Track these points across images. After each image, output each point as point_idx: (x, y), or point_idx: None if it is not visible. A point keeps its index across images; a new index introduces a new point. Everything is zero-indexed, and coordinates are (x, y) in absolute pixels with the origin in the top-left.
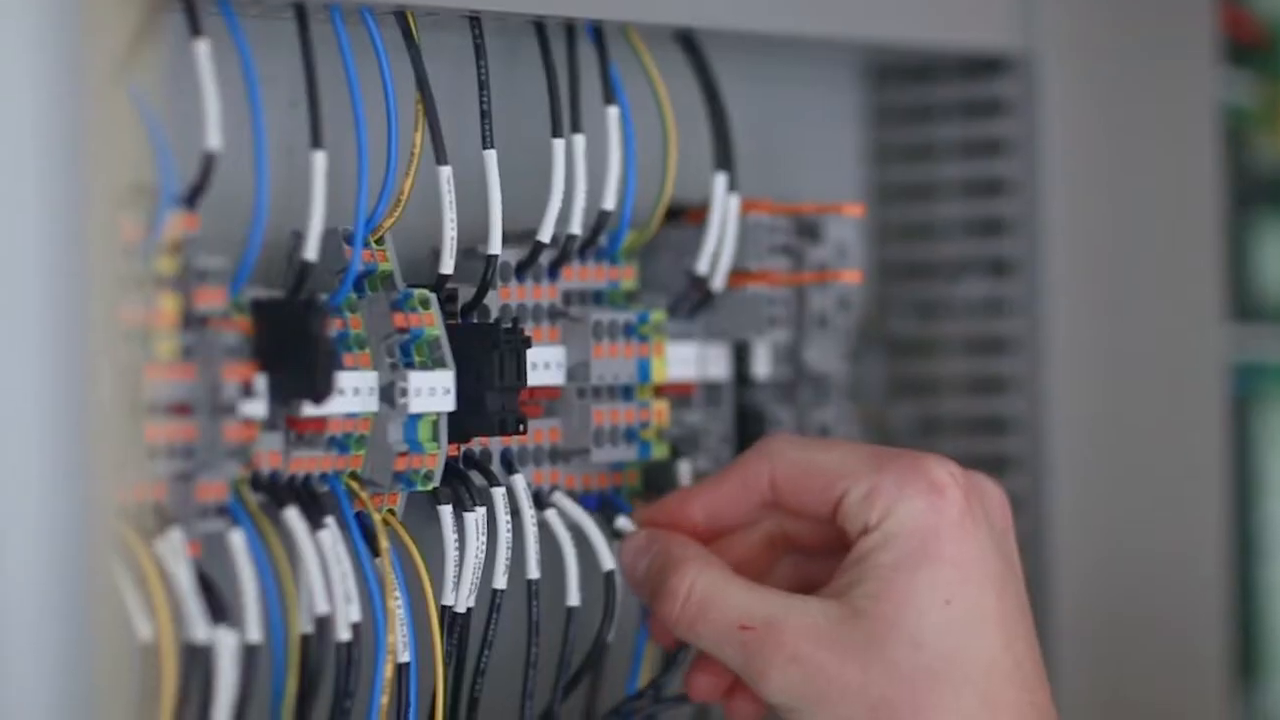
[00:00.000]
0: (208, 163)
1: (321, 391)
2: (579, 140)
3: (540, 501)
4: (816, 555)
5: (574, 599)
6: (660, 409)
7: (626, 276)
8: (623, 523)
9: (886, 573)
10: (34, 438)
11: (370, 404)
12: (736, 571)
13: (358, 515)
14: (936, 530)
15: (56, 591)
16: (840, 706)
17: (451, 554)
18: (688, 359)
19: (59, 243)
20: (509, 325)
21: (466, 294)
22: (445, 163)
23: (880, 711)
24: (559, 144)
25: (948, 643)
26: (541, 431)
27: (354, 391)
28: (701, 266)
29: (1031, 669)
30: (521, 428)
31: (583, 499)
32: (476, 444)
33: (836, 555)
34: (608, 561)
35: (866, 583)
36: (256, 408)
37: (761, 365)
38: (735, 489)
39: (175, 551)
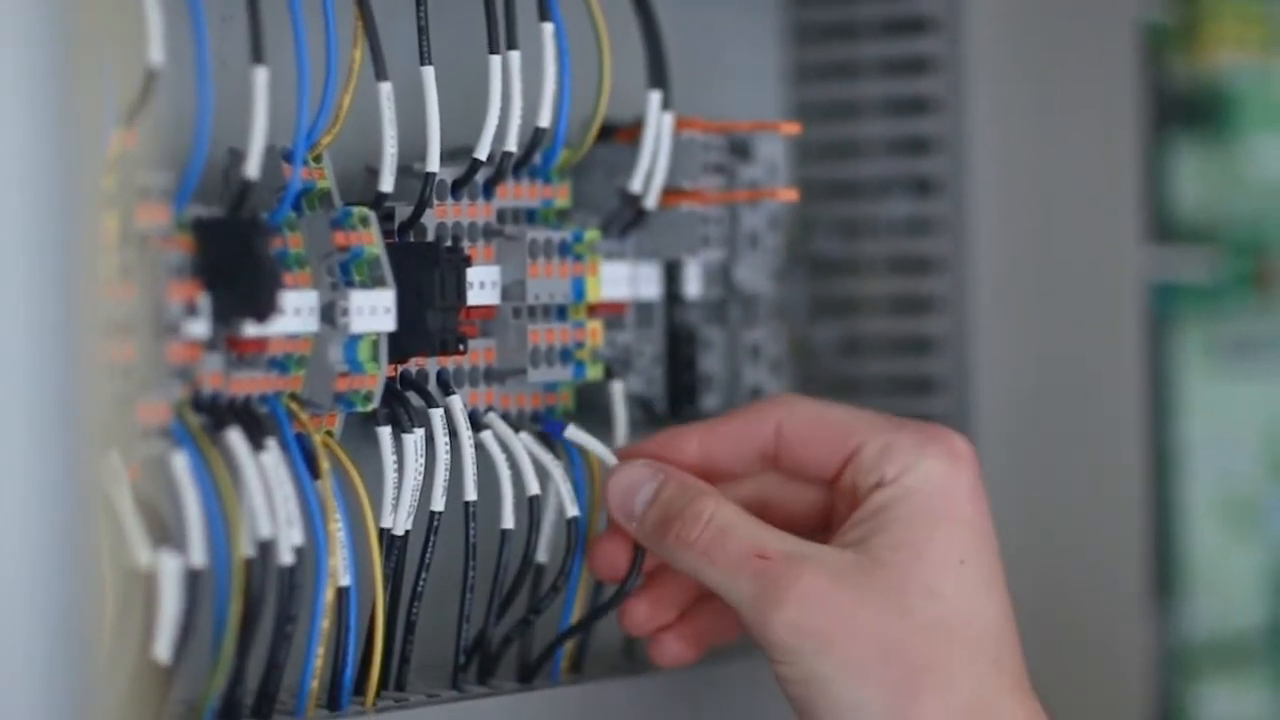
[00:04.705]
0: (150, 78)
1: (265, 310)
2: (514, 57)
3: (475, 423)
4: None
5: (508, 521)
6: (594, 328)
7: (560, 195)
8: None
9: (904, 526)
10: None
11: (311, 324)
12: None
13: (298, 437)
14: (955, 491)
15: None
16: (850, 648)
17: (390, 476)
18: (620, 278)
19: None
20: (450, 244)
21: (402, 213)
22: (385, 78)
23: (892, 657)
24: (495, 60)
25: (961, 601)
26: (477, 352)
27: (295, 311)
28: (635, 185)
29: (1020, 645)
30: (461, 347)
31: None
32: (413, 365)
33: (815, 534)
34: (533, 486)
35: (884, 533)
36: (200, 327)
37: (693, 285)
38: (738, 431)
39: (116, 474)
